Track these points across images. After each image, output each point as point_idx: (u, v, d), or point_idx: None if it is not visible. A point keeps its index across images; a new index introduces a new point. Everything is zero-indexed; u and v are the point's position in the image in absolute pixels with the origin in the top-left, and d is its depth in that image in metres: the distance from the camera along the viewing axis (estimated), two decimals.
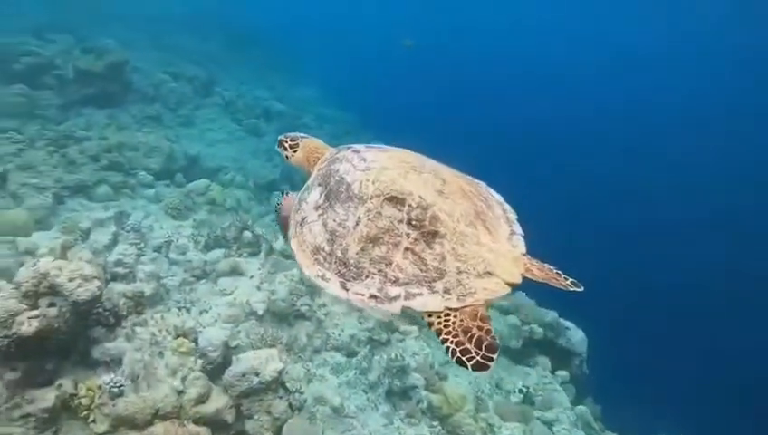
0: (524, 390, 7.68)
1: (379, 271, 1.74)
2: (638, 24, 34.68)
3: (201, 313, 6.39)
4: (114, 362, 5.11)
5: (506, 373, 8.27)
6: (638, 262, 17.63)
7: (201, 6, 22.92)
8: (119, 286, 5.92)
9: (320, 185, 2.06)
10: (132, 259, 6.38)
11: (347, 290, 1.78)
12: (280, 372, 5.28)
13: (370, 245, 1.77)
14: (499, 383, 7.92)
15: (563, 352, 8.86)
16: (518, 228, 2.01)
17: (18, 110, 10.95)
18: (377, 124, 18.76)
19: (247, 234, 7.40)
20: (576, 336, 8.98)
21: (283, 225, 2.30)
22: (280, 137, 2.52)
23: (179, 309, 6.31)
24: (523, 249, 1.91)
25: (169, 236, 7.31)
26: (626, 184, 23.39)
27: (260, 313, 6.45)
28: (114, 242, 6.91)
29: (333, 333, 7.23)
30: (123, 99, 12.18)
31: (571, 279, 1.88)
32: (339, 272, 1.81)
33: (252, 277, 6.96)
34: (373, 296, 1.74)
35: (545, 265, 1.90)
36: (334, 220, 1.88)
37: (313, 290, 7.42)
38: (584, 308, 9.84)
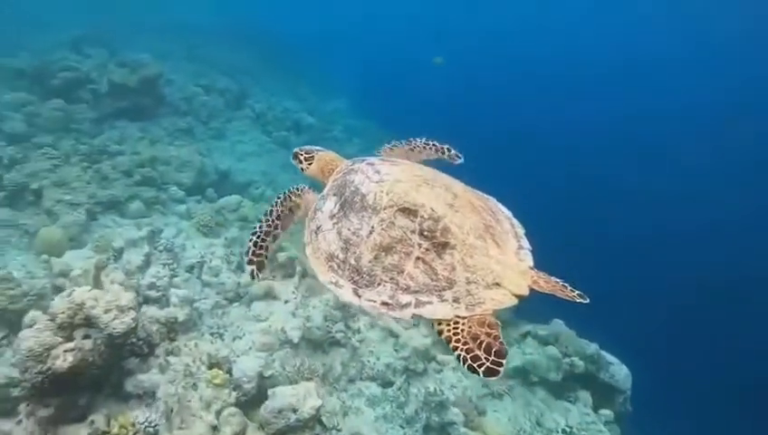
0: (567, 430, 7.25)
1: (391, 279, 1.80)
2: (654, 27, 33.85)
3: (234, 339, 6.20)
4: (147, 395, 4.94)
5: (546, 408, 7.85)
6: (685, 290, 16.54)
7: (233, 17, 23.15)
8: (151, 310, 5.79)
9: (335, 195, 2.14)
10: (165, 282, 6.25)
11: (359, 297, 1.85)
12: (318, 409, 5.04)
13: (383, 253, 1.84)
14: (539, 420, 7.51)
15: (606, 387, 8.38)
16: (525, 243, 2.05)
17: (55, 125, 11.08)
18: (405, 136, 18.52)
19: (281, 255, 7.20)
20: (620, 372, 8.49)
21: (292, 220, 2.48)
22: (295, 150, 2.64)
23: (212, 335, 6.14)
24: (531, 263, 1.95)
25: (202, 257, 7.17)
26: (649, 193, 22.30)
27: (295, 341, 6.23)
28: (147, 262, 6.80)
29: (369, 362, 6.97)
30: (156, 112, 12.23)
31: (577, 292, 1.91)
32: (352, 279, 1.88)
33: (286, 302, 6.75)
34: (385, 303, 1.80)
35: (552, 277, 1.93)
36: (348, 229, 1.96)
37: (348, 315, 7.21)
38: (627, 341, 9.40)
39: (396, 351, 7.33)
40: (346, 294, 1.90)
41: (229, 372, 5.59)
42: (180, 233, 8.28)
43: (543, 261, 2.02)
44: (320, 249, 2.05)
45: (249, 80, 17.55)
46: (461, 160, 2.80)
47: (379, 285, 1.83)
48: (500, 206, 2.26)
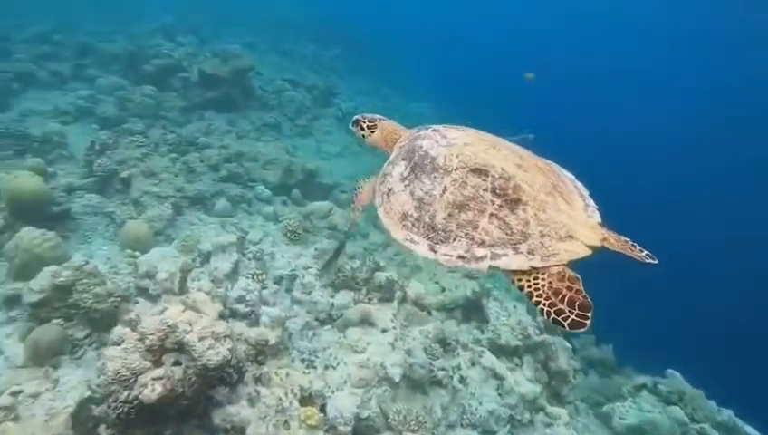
0: None
1: (466, 234, 1.86)
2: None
3: (327, 368, 5.46)
4: (236, 431, 4.29)
5: None
6: None
7: (320, 13, 22.95)
8: (239, 326, 5.17)
9: (404, 159, 2.18)
10: (255, 296, 5.61)
11: (435, 252, 1.91)
12: None
13: (457, 211, 1.91)
14: None
15: None
16: (591, 202, 2.08)
17: (145, 111, 11.02)
18: None
19: (380, 276, 6.42)
20: None
21: (362, 202, 2.46)
22: (356, 117, 2.61)
23: (303, 362, 5.42)
24: (599, 219, 1.98)
25: (293, 270, 6.50)
26: None
27: (396, 379, 5.39)
28: (235, 270, 6.21)
29: (470, 406, 6.04)
30: (244, 105, 11.91)
31: (646, 251, 1.95)
32: (427, 235, 1.94)
33: (384, 331, 5.94)
34: (461, 257, 1.85)
35: (621, 236, 1.96)
36: (421, 189, 2.01)
37: (449, 350, 6.33)
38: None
39: (500, 396, 6.38)
40: (421, 249, 1.94)
41: (323, 409, 4.88)
42: (266, 237, 7.71)
43: None
44: (392, 210, 2.10)
45: (335, 77, 17.12)
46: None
47: (454, 240, 1.88)
48: (563, 170, 2.30)
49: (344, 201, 10.14)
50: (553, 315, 1.65)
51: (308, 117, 13.19)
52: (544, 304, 1.69)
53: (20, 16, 16.65)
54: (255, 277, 5.96)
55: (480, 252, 1.84)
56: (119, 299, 5.41)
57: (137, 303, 5.65)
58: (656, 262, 1.91)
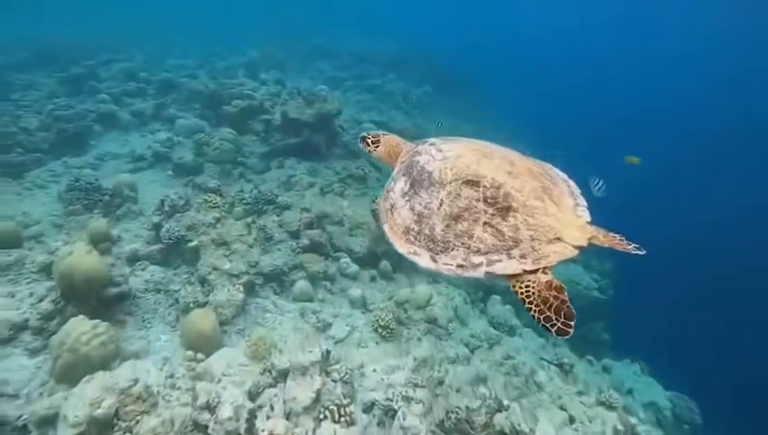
0: None
1: (463, 244, 2.02)
2: None
3: None
4: None
5: None
6: None
7: (411, 47, 21.92)
8: None
9: (404, 175, 2.37)
10: None
11: (436, 262, 2.07)
12: None
13: (453, 222, 2.07)
14: None
15: None
16: (582, 201, 2.22)
17: (224, 156, 10.22)
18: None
19: (501, 420, 4.76)
20: None
21: (381, 221, 2.52)
22: (362, 134, 2.87)
23: None
24: (588, 218, 2.12)
25: (389, 401, 4.99)
26: None
27: None
28: (317, 399, 4.79)
29: None
30: (328, 152, 10.81)
31: (633, 244, 2.05)
32: (428, 247, 2.10)
33: None
34: (460, 266, 2.01)
35: (609, 232, 2.08)
36: (420, 204, 2.19)
37: None
38: None
39: None
40: (424, 260, 2.10)
41: None
42: (353, 333, 6.33)
43: None
44: (396, 224, 2.26)
45: (422, 117, 15.81)
46: None
47: (452, 250, 2.03)
48: (557, 170, 2.44)
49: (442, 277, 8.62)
50: (542, 322, 1.82)
51: None
52: (535, 311, 1.86)
53: (114, 50, 16.90)
54: (341, 418, 4.50)
55: (477, 259, 1.99)
56: None
57: None
58: (643, 252, 2.02)
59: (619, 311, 12.58)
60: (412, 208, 2.21)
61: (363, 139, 2.85)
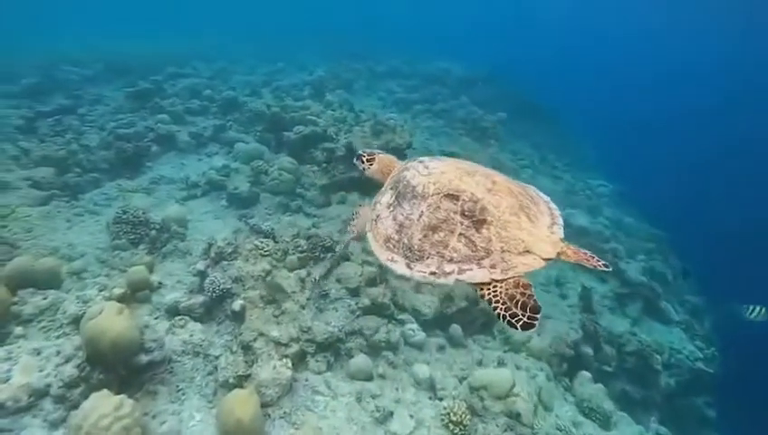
0: None
1: (438, 253, 2.13)
2: None
3: None
4: None
5: None
6: None
7: (478, 69, 20.70)
8: None
9: (391, 189, 2.52)
10: None
11: (411, 269, 2.18)
12: None
13: (431, 232, 2.18)
14: None
15: None
16: (560, 220, 2.35)
17: (282, 187, 9.52)
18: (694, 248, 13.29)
19: None
20: None
21: (359, 228, 2.73)
22: (359, 152, 3.00)
23: None
24: (561, 236, 2.23)
25: None
26: None
27: None
28: None
29: None
30: None
31: (602, 261, 2.22)
32: (405, 255, 2.22)
33: None
34: (432, 273, 2.12)
35: (581, 249, 2.21)
36: (402, 214, 2.33)
37: None
38: None
39: None
40: (400, 267, 2.21)
41: None
42: (419, 428, 5.22)
43: None
44: (379, 234, 2.40)
45: (497, 146, 14.57)
46: None
47: (427, 258, 2.15)
48: (539, 193, 2.58)
49: (516, 342, 7.39)
50: (508, 318, 1.90)
51: None
52: (501, 309, 1.94)
53: (183, 64, 16.86)
54: None
55: (449, 268, 2.09)
56: None
57: None
58: (610, 269, 2.25)
59: (727, 384, 10.73)
60: (394, 219, 2.35)
61: (359, 157, 2.98)
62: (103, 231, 7.88)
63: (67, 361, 5.10)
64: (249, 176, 9.73)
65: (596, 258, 2.21)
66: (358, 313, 6.53)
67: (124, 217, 7.45)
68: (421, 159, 2.57)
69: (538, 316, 1.88)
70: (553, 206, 2.49)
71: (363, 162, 2.94)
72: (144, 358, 5.18)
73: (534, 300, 1.93)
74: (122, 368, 5.08)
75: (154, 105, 12.40)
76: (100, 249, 7.42)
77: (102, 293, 6.16)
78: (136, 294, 6.22)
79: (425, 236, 2.18)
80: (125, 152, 10.12)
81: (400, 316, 6.87)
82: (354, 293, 6.79)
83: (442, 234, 2.15)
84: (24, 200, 8.30)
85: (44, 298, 6.01)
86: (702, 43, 39.01)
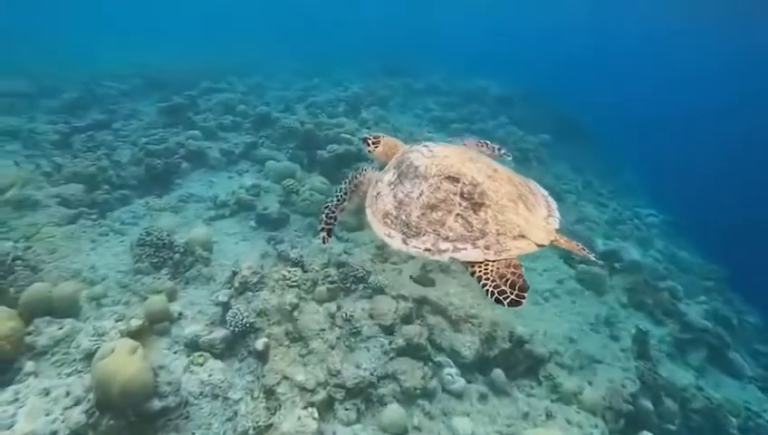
0: None
1: (434, 230, 2.19)
2: None
3: None
4: None
5: None
6: None
7: (519, 87, 20.00)
8: None
9: (394, 168, 2.59)
10: None
11: (407, 244, 2.24)
12: None
13: (429, 211, 2.24)
14: None
15: None
16: (556, 214, 2.40)
17: (313, 209, 9.04)
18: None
19: None
20: None
21: (357, 195, 2.89)
22: (365, 135, 3.08)
23: None
24: (557, 226, 2.28)
25: None
26: None
27: None
28: None
29: None
30: None
31: (593, 254, 2.31)
32: (402, 231, 2.28)
33: None
34: (427, 249, 2.17)
35: (572, 240, 2.26)
36: (402, 192, 2.39)
37: None
38: None
39: None
40: (396, 242, 2.28)
41: None
42: None
43: None
44: (378, 210, 2.46)
45: (541, 170, 13.83)
46: (509, 157, 3.22)
47: (423, 235, 2.20)
48: (539, 187, 2.64)
49: (553, 384, 6.62)
50: (496, 295, 1.93)
51: None
52: (489, 286, 1.98)
53: (218, 79, 16.80)
54: None
55: (444, 245, 2.14)
56: None
57: None
58: (601, 263, 2.56)
59: None
60: (395, 196, 2.40)
61: (365, 139, 3.03)
62: (127, 252, 7.57)
63: (76, 403, 4.72)
64: (279, 195, 9.33)
65: (587, 250, 2.27)
66: (391, 354, 5.93)
67: (147, 239, 7.10)
68: (426, 143, 2.66)
69: (525, 295, 1.92)
70: (551, 199, 2.55)
71: (369, 144, 3.00)
72: (157, 404, 4.72)
73: (524, 279, 1.96)
74: (133, 414, 4.63)
75: (187, 120, 12.22)
76: (122, 272, 7.09)
77: (119, 323, 5.78)
78: (154, 326, 5.80)
79: (423, 214, 2.24)
80: (155, 169, 9.89)
81: (438, 358, 6.23)
82: (388, 331, 6.20)
83: (440, 213, 2.21)
84: (51, 218, 8.10)
85: (60, 328, 5.67)
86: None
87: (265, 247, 8.09)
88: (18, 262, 6.41)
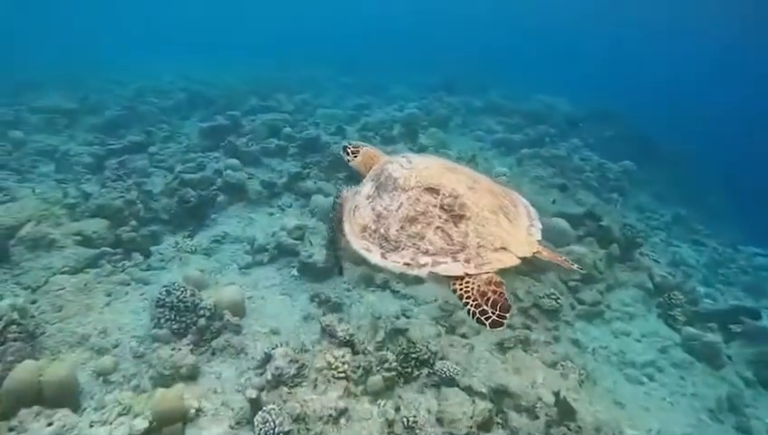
0: None
1: (414, 244, 2.14)
2: None
3: None
4: None
5: None
6: None
7: (592, 107, 18.11)
8: None
9: (372, 180, 2.54)
10: None
11: (386, 259, 2.19)
12: None
13: (408, 224, 2.20)
14: None
15: None
16: (538, 224, 2.36)
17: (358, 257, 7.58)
18: None
19: None
20: None
21: (339, 214, 2.71)
22: (344, 144, 2.98)
23: None
24: (539, 237, 2.26)
25: None
26: None
27: None
28: None
29: None
30: None
31: (576, 265, 2.34)
32: (380, 245, 2.23)
33: None
34: (406, 264, 2.12)
35: (554, 252, 2.29)
36: (380, 205, 2.33)
37: None
38: None
39: None
40: (375, 257, 2.22)
41: None
42: None
43: None
44: (356, 223, 2.40)
45: (619, 202, 11.99)
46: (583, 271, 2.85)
47: (402, 249, 2.15)
48: (521, 197, 2.61)
49: None
50: (477, 315, 1.90)
51: (598, 286, 8.24)
52: (471, 305, 1.94)
53: (266, 96, 15.92)
54: None
55: (423, 259, 2.09)
56: None
57: None
58: (583, 271, 2.51)
59: None
60: (373, 209, 2.34)
61: (344, 148, 2.95)
62: (147, 309, 6.43)
63: None
64: (323, 242, 8.04)
65: (569, 261, 2.30)
66: None
67: (168, 300, 5.91)
68: (406, 154, 2.64)
69: (507, 315, 1.88)
70: (532, 210, 2.51)
71: (348, 154, 2.93)
72: None
73: (505, 299, 1.94)
74: None
75: (227, 145, 11.19)
76: (139, 339, 5.93)
77: (123, 418, 4.58)
78: (164, 429, 4.53)
79: (402, 227, 2.21)
80: (188, 202, 8.81)
81: None
82: (442, 423, 4.70)
83: (419, 226, 2.18)
84: (66, 262, 7.10)
85: (49, 424, 4.50)
86: None
87: (308, 307, 6.80)
88: (13, 327, 5.34)
